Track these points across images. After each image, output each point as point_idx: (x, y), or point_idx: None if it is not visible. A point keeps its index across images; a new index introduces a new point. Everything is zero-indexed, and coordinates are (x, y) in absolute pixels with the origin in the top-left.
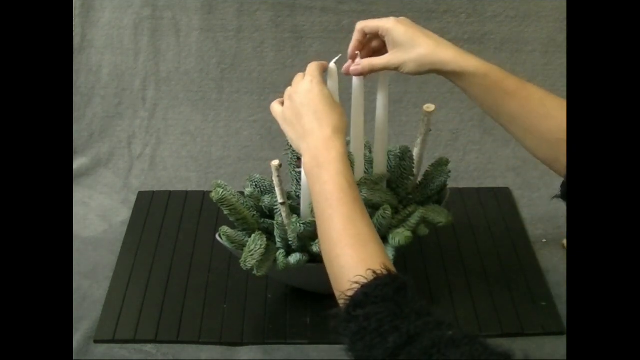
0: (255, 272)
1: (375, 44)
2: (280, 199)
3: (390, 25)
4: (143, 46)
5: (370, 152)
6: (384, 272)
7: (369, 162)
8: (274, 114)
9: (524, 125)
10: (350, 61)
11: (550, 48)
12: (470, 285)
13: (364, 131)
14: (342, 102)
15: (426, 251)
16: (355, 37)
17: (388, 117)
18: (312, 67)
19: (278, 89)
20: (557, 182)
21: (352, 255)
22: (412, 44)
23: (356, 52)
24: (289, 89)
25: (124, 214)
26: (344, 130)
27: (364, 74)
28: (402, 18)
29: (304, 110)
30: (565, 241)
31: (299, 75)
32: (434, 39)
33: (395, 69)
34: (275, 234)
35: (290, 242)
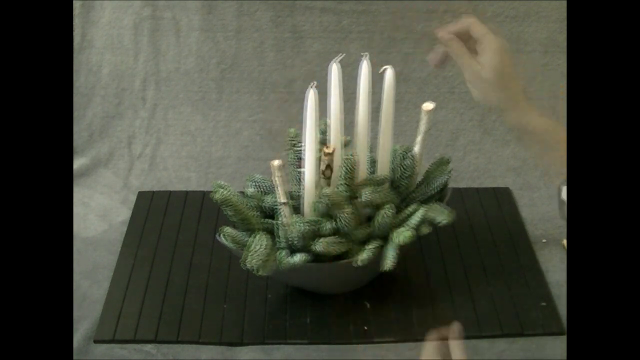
0: (258, 272)
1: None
2: (281, 199)
3: (485, 45)
4: (143, 46)
5: (371, 151)
6: None
7: (372, 163)
8: None
9: None
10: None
11: (550, 48)
12: (470, 285)
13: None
14: (341, 103)
15: (426, 251)
16: (456, 27)
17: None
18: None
19: (278, 88)
20: (557, 182)
21: None
22: (498, 81)
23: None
24: None
25: (124, 214)
26: None
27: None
28: (500, 40)
29: None
30: (565, 241)
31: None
32: (515, 95)
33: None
34: (276, 234)
35: (292, 242)
